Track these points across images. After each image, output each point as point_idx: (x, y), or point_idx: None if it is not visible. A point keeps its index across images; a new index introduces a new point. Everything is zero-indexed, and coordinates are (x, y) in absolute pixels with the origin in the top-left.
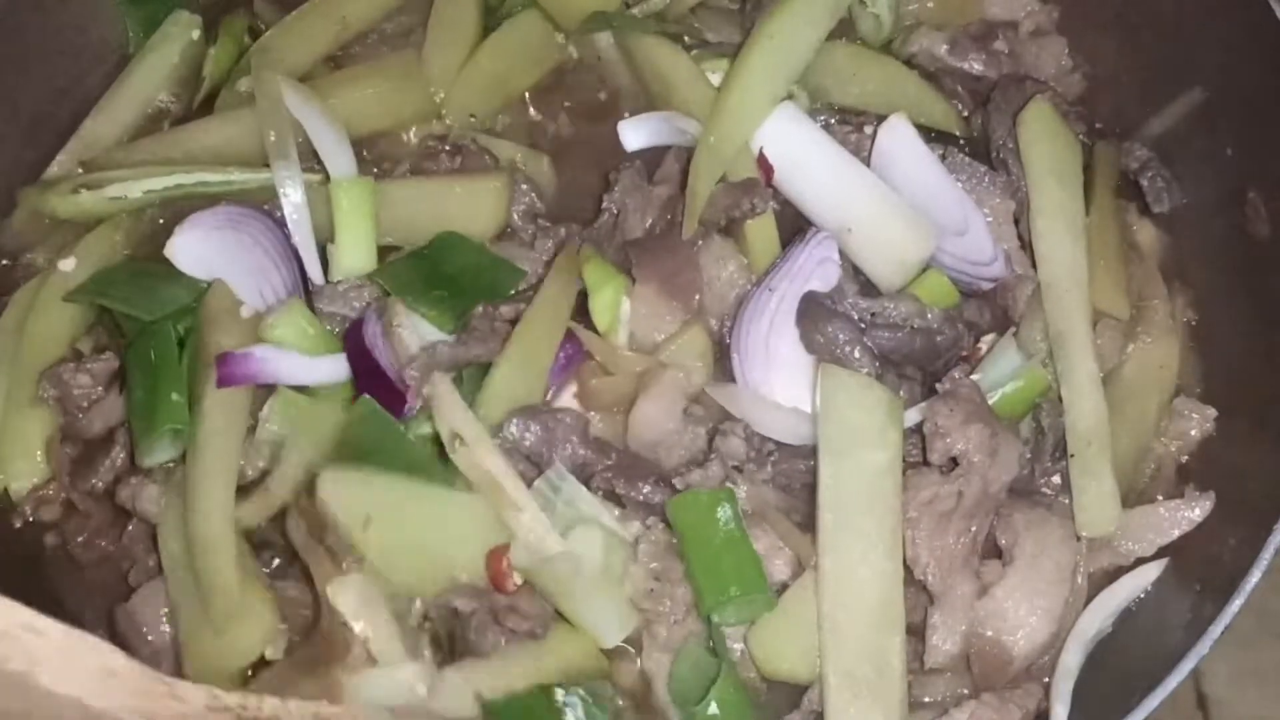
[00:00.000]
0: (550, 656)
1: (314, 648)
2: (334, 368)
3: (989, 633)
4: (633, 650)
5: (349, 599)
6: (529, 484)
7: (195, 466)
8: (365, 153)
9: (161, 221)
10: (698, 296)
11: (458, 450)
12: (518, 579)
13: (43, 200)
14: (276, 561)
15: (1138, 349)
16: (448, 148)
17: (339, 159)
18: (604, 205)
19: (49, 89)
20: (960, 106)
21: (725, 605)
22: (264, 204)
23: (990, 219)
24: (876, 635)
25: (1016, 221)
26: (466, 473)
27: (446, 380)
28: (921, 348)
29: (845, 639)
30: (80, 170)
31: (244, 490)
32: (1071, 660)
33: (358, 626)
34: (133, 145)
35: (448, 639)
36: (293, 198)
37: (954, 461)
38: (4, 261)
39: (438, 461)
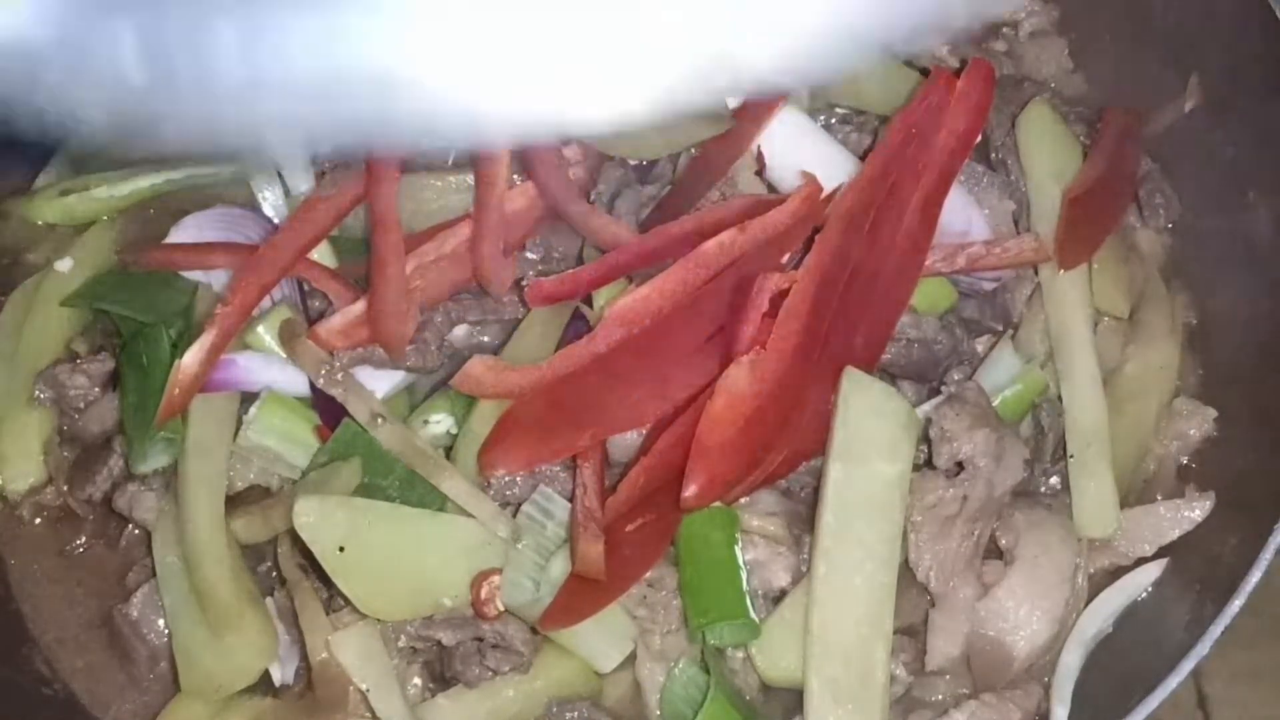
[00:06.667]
0: (540, 680)
1: (310, 692)
2: None
3: (990, 633)
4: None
5: (349, 654)
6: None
7: (185, 475)
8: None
9: (158, 221)
10: None
11: (380, 427)
12: (500, 605)
13: (30, 208)
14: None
15: (1138, 349)
16: None
17: (298, 173)
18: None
19: None
20: None
21: (705, 627)
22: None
23: (990, 219)
24: (863, 645)
25: (1016, 222)
26: (394, 448)
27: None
28: (919, 359)
29: (832, 645)
30: (71, 172)
31: (238, 500)
32: (1071, 660)
33: (361, 684)
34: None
35: (439, 664)
36: (271, 200)
37: (959, 466)
38: (3, 260)
39: (422, 481)
